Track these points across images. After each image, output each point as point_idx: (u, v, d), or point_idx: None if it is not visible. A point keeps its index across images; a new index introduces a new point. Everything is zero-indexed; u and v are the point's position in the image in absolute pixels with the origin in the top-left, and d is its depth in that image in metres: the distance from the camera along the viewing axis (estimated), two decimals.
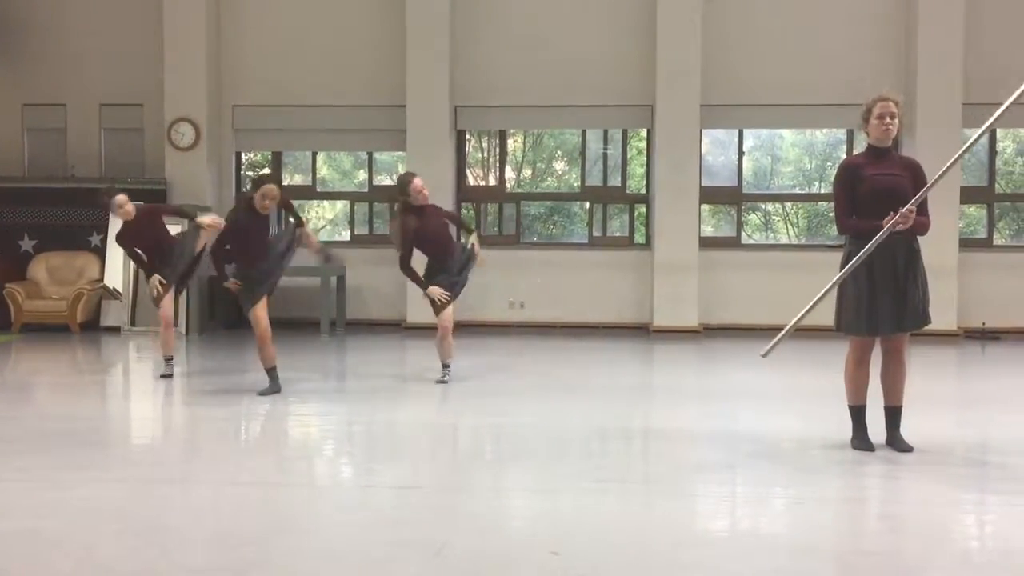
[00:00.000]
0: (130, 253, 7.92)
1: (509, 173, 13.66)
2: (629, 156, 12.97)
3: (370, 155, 13.00)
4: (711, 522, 4.00)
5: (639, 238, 12.53)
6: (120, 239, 7.88)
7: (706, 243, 12.08)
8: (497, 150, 13.20)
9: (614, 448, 5.49)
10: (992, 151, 12.15)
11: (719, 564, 3.33)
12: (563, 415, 6.33)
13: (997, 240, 12.29)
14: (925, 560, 3.43)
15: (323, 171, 14.02)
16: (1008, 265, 11.68)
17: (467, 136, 13.07)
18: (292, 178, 13.37)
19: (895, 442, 5.02)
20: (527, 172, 14.80)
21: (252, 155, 13.75)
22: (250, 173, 13.98)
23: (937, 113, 11.29)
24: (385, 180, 13.45)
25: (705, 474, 4.75)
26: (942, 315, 11.34)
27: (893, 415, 5.07)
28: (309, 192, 13.24)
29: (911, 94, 11.41)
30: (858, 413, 5.09)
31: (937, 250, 11.35)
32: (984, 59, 11.37)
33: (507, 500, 4.28)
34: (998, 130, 12.17)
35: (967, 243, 11.67)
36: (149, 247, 7.86)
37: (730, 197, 12.52)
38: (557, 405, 6.70)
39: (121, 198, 7.85)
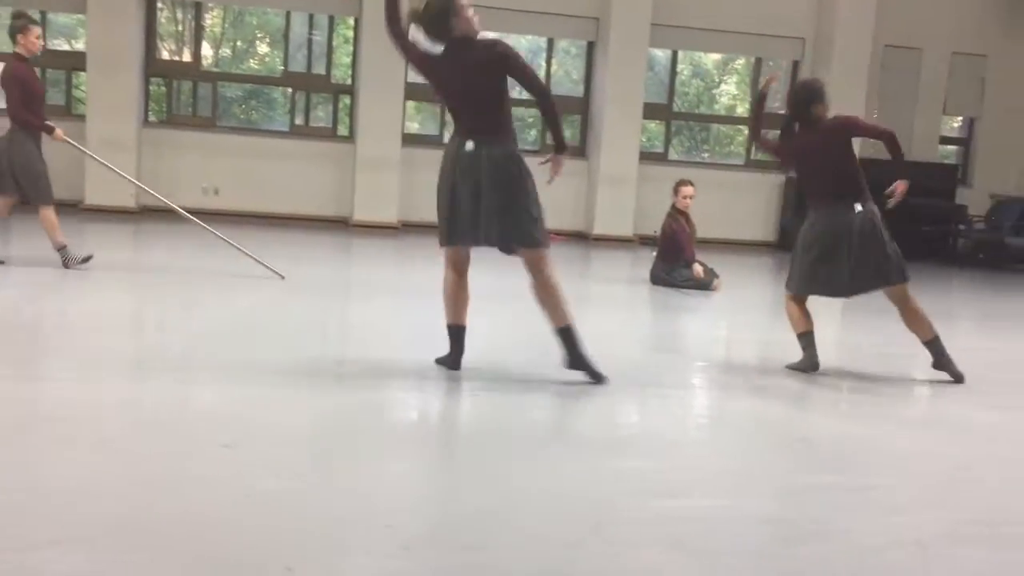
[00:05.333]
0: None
1: (206, 50, 12.82)
2: (336, 44, 12.60)
3: (43, 14, 11.60)
4: (392, 413, 4.11)
5: (343, 130, 12.32)
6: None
7: (409, 140, 12.12)
8: (193, 23, 12.29)
9: (305, 342, 5.44)
10: (673, 72, 13.13)
11: (391, 448, 3.45)
12: (253, 307, 6.18)
13: (672, 155, 13.41)
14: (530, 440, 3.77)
15: None
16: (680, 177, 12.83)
17: (159, 4, 12.04)
18: None
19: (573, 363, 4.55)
20: (226, 51, 13.95)
21: None
22: None
23: (627, 32, 11.99)
24: (62, 44, 12.12)
25: (393, 364, 4.86)
26: (620, 222, 12.29)
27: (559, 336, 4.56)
28: None
29: (606, 13, 12.03)
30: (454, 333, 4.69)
31: (619, 162, 12.25)
32: None
33: (182, 393, 4.13)
34: (679, 52, 13.18)
35: (646, 156, 12.61)
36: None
37: (434, 95, 12.57)
38: (248, 297, 6.53)
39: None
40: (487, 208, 4.35)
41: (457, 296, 4.65)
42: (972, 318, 5.19)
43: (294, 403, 3.98)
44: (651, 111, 12.68)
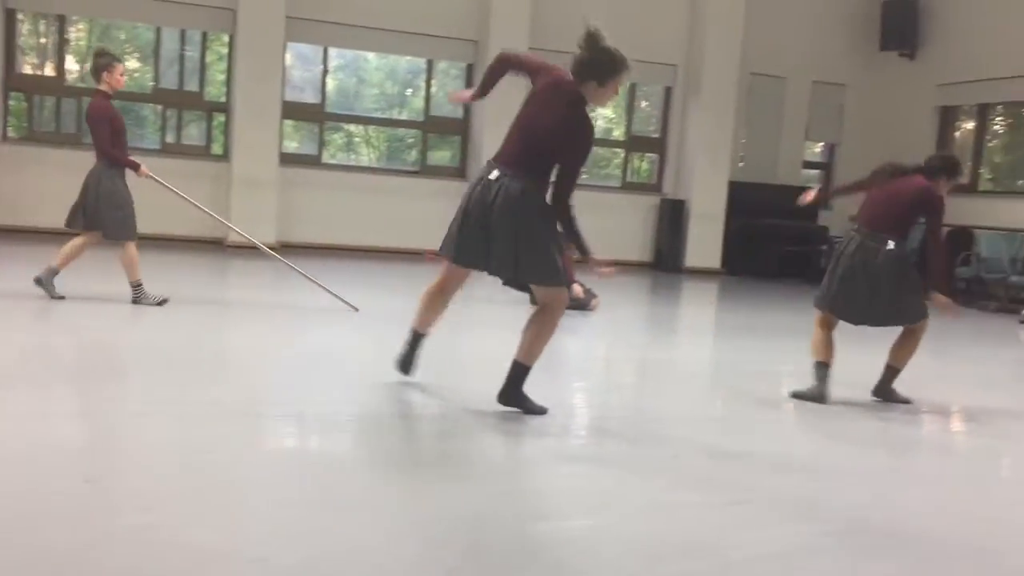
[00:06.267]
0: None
1: (71, 64, 12.33)
2: (209, 61, 12.33)
3: None
4: (268, 445, 4.02)
5: (217, 149, 12.04)
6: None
7: (287, 159, 11.93)
8: (56, 37, 11.81)
9: (175, 372, 5.27)
10: None
11: (266, 481, 3.37)
12: (126, 332, 5.95)
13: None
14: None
15: None
16: None
17: (19, 17, 11.53)
18: None
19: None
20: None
21: None
22: None
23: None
24: None
25: (272, 394, 4.76)
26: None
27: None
28: None
29: (485, 36, 12.13)
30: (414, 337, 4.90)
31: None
32: None
33: (46, 425, 3.94)
34: None
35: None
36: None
37: (313, 115, 12.45)
38: (118, 322, 6.28)
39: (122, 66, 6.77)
40: (497, 240, 4.27)
41: (432, 302, 4.68)
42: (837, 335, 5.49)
43: (163, 435, 3.85)
44: None
